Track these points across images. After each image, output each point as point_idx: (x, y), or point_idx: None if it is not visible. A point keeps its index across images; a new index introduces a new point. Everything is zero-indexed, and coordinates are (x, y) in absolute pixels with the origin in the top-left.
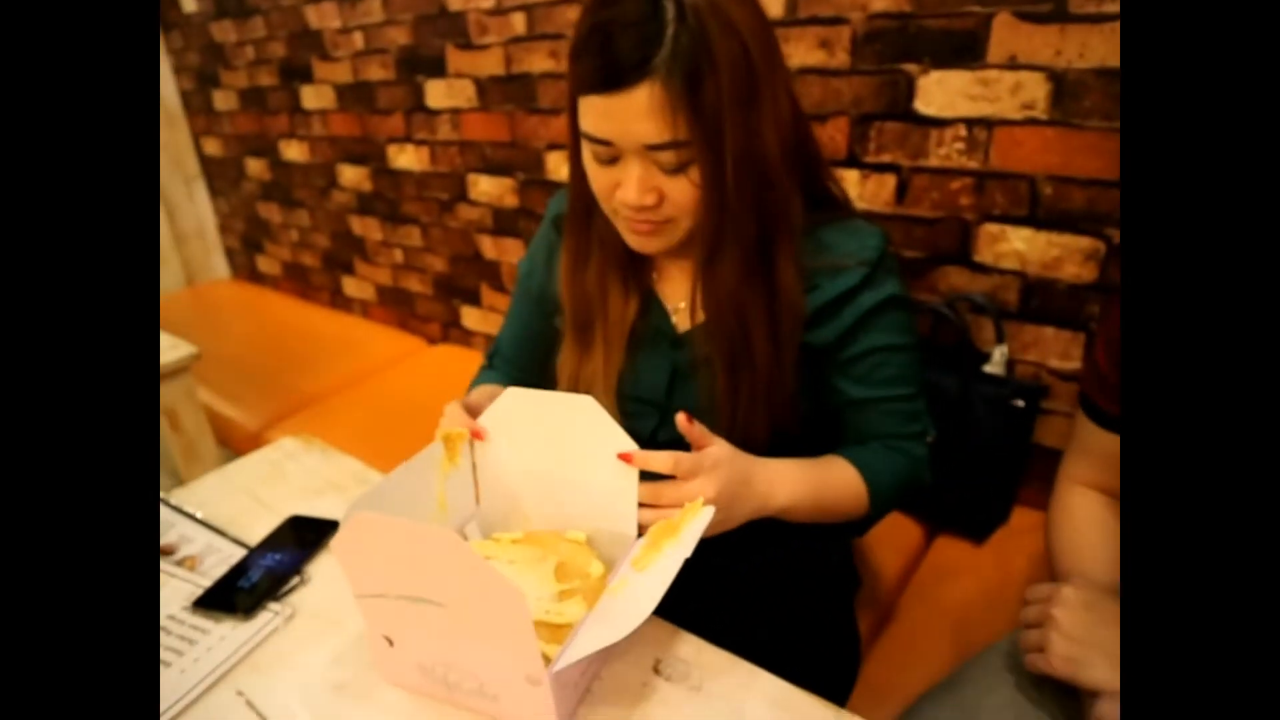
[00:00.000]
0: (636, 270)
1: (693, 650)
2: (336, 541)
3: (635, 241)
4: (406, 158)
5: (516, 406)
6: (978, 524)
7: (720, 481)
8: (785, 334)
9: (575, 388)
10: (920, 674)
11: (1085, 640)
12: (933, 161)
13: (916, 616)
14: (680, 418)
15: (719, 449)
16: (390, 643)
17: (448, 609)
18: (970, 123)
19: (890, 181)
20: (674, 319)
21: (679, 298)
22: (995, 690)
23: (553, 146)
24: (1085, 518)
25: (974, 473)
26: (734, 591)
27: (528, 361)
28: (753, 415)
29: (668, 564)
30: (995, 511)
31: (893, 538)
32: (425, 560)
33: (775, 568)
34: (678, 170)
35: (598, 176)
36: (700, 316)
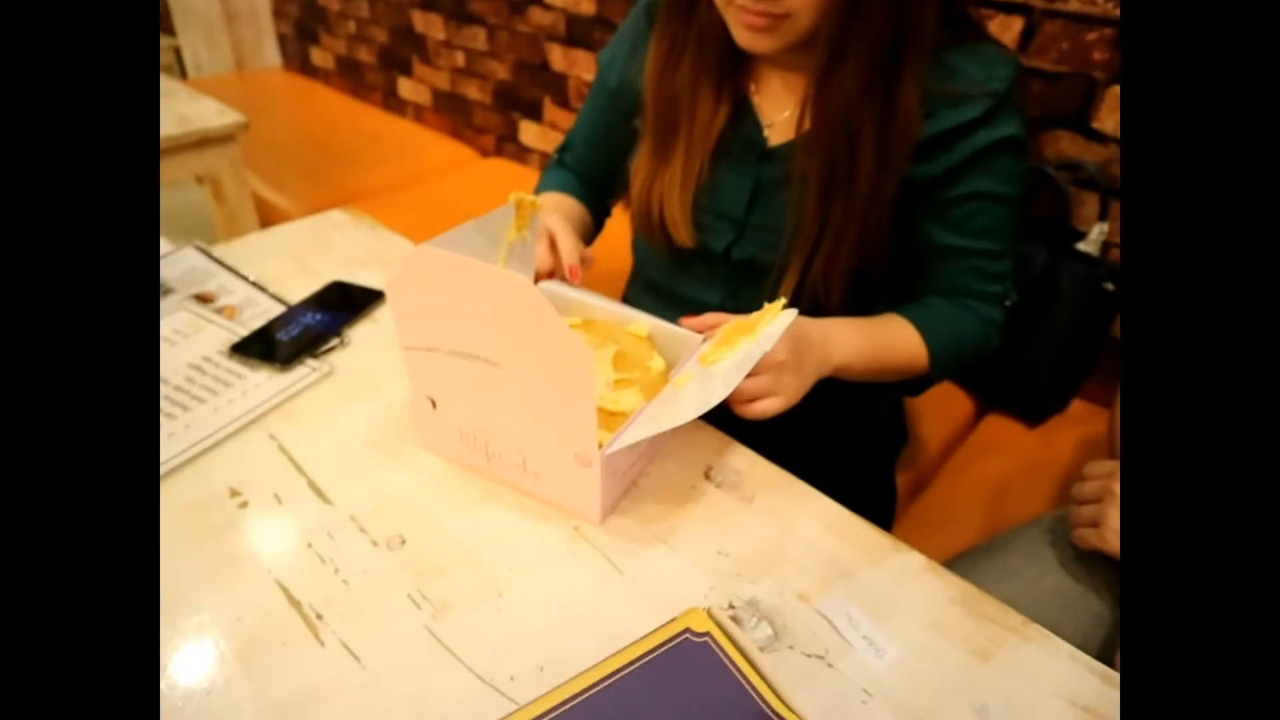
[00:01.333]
0: (733, 74)
1: (746, 462)
2: (393, 280)
3: (745, 38)
4: None
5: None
6: (1035, 407)
7: (787, 340)
8: (893, 160)
9: (649, 193)
10: (949, 540)
11: None
12: (1072, 4)
13: (953, 485)
14: (690, 321)
15: None
16: (434, 404)
17: (504, 370)
18: None
19: (1017, 25)
20: (766, 132)
21: (775, 110)
22: (1037, 561)
23: None
24: None
25: (1044, 352)
26: (777, 433)
27: (599, 161)
28: (839, 244)
29: (742, 358)
30: (1056, 397)
31: (943, 406)
32: (491, 309)
33: (827, 419)
34: None
35: None
36: (806, 126)
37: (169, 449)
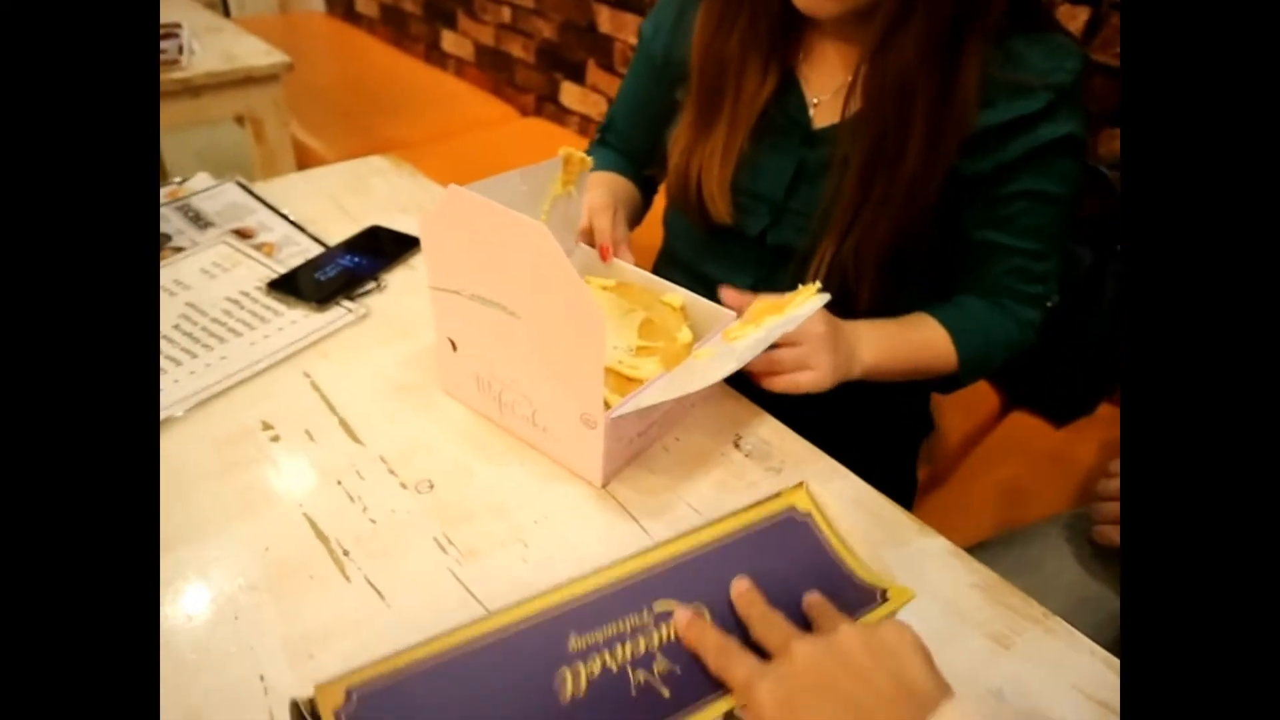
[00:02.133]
0: (782, 47)
1: (776, 435)
2: (427, 218)
3: (806, 1)
4: None
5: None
6: (1062, 407)
7: (824, 316)
8: (944, 146)
9: (688, 164)
10: (964, 533)
11: None
12: None
13: (973, 479)
14: (728, 296)
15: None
16: (454, 346)
17: (520, 321)
18: None
19: (1083, 16)
20: (811, 111)
21: (823, 88)
22: (1055, 556)
23: None
24: None
25: (1079, 354)
26: (801, 414)
27: (642, 135)
28: (875, 226)
29: (765, 335)
30: (1084, 399)
31: (969, 401)
32: (514, 258)
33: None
34: None
35: None
36: (855, 106)
37: (204, 379)
